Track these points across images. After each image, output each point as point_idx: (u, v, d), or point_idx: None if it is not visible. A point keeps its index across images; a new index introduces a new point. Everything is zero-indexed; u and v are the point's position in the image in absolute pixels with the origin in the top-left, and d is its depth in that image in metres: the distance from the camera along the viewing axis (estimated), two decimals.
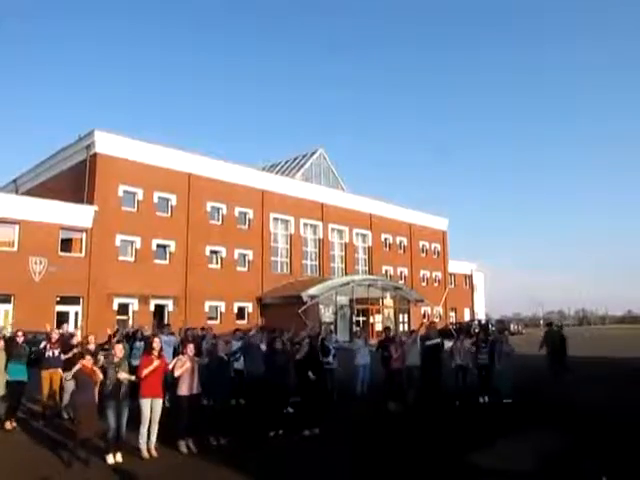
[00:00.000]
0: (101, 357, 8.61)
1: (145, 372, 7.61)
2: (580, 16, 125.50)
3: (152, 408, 7.68)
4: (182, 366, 7.97)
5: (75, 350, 9.98)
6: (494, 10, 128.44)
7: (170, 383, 8.56)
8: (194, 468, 7.27)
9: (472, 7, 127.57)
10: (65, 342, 10.46)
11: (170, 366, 8.04)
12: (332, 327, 25.30)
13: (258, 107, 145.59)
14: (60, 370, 9.99)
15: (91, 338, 10.61)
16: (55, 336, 10.33)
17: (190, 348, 8.30)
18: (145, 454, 7.53)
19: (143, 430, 7.60)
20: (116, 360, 7.70)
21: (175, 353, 10.19)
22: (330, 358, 12.00)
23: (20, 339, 10.05)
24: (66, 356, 10.03)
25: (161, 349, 8.23)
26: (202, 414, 8.31)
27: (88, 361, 7.62)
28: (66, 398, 9.87)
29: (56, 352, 10.06)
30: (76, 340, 10.74)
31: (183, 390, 7.99)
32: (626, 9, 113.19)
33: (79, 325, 23.90)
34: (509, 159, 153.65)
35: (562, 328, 17.66)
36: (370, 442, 8.71)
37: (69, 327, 22.69)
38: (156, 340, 8.14)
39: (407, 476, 6.98)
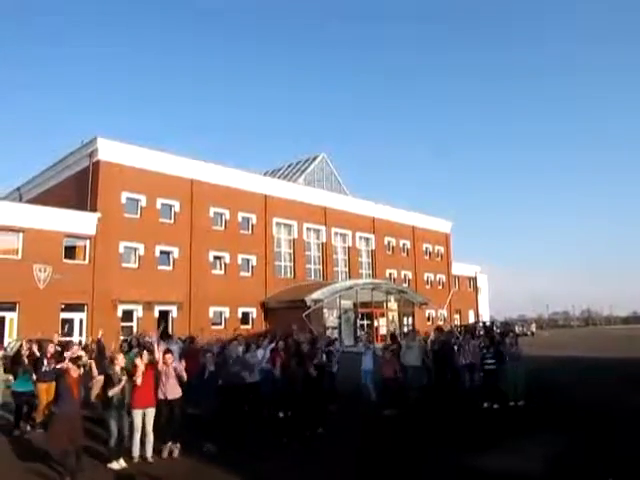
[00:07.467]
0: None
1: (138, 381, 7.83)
2: (580, 17, 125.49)
3: (144, 418, 7.82)
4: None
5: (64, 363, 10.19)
6: (492, 10, 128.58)
7: None
8: (198, 474, 7.29)
9: (471, 7, 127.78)
10: (59, 355, 10.64)
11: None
12: (336, 334, 25.21)
13: (259, 112, 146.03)
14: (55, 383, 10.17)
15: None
16: (51, 350, 10.55)
17: (168, 356, 8.46)
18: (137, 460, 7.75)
19: (136, 438, 7.79)
20: (119, 370, 7.83)
21: None
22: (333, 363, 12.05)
23: (25, 352, 10.45)
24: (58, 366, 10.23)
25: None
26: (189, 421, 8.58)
27: (74, 370, 7.58)
28: None
29: (52, 365, 10.26)
30: (70, 354, 10.82)
31: (159, 395, 8.22)
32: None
33: (84, 333, 23.99)
34: (513, 161, 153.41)
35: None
36: (363, 447, 8.74)
37: (74, 335, 22.90)
38: (144, 353, 8.48)
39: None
